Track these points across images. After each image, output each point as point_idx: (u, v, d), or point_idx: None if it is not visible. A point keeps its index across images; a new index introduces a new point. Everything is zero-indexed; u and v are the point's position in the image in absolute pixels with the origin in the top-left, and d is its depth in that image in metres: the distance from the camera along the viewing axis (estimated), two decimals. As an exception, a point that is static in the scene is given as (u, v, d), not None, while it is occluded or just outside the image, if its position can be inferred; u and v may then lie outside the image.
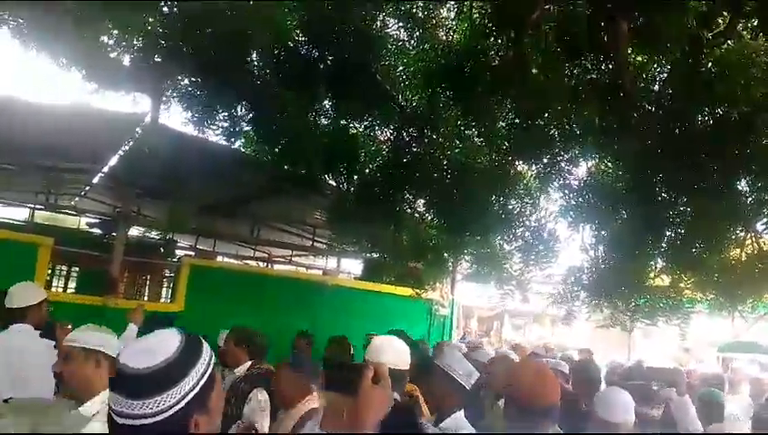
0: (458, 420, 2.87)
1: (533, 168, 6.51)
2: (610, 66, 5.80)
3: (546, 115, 6.04)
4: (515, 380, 2.30)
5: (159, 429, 1.16)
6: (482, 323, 13.54)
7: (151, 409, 1.16)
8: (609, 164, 6.28)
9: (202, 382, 1.24)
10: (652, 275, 6.06)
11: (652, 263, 6.00)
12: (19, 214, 11.58)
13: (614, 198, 5.78)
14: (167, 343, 1.24)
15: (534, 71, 5.74)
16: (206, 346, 1.32)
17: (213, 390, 1.27)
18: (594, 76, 5.90)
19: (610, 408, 3.00)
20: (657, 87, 5.99)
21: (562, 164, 6.20)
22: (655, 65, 6.06)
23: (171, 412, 1.17)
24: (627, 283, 5.64)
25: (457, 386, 2.93)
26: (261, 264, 12.54)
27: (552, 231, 6.02)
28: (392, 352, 2.60)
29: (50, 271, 7.17)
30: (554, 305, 5.99)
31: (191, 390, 1.21)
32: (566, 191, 6.13)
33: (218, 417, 1.31)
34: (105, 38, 5.04)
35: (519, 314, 14.39)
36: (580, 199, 5.99)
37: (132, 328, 4.11)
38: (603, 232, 5.94)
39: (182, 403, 1.19)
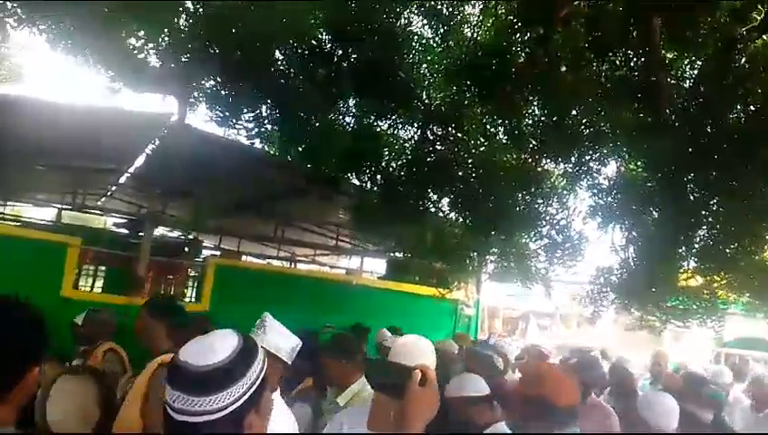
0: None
1: (561, 166, 6.42)
2: (640, 63, 5.70)
3: (574, 113, 5.96)
4: (539, 380, 2.28)
5: (217, 427, 1.18)
6: (507, 324, 13.43)
7: (212, 406, 1.18)
8: (640, 163, 6.16)
9: (258, 382, 1.26)
10: (684, 276, 5.94)
11: (684, 263, 5.88)
12: (46, 214, 11.84)
13: (645, 197, 5.68)
14: (226, 341, 1.27)
15: (563, 68, 5.66)
16: (260, 347, 1.34)
17: (265, 390, 1.29)
18: (624, 73, 5.80)
19: (658, 413, 2.95)
20: (687, 84, 5.87)
21: (591, 163, 6.11)
22: (686, 62, 5.94)
23: (230, 410, 1.19)
24: (658, 284, 5.54)
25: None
26: (285, 263, 12.57)
27: (579, 230, 5.92)
28: (417, 353, 2.56)
29: (77, 270, 7.23)
30: (582, 306, 5.91)
31: (249, 388, 1.23)
32: (595, 191, 6.03)
33: (266, 419, 1.32)
34: (133, 40, 5.06)
35: (545, 315, 14.26)
36: (609, 199, 5.89)
37: None
38: (634, 232, 5.83)
39: (240, 401, 1.21)
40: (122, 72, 5.12)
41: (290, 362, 2.58)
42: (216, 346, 1.25)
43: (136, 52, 5.08)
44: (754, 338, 11.63)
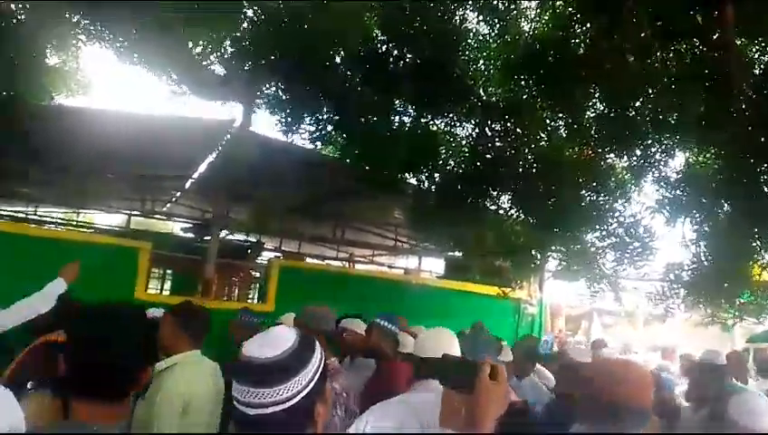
0: None
1: (625, 160, 6.25)
2: (706, 50, 5.48)
3: (638, 104, 5.79)
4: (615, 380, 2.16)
5: (289, 417, 1.22)
6: (569, 322, 13.13)
7: (281, 395, 1.22)
8: (710, 154, 5.94)
9: (320, 371, 1.31)
10: (757, 270, 5.68)
11: (757, 257, 5.62)
12: (114, 219, 12.35)
13: (715, 190, 5.46)
14: (285, 335, 1.32)
15: (626, 57, 5.50)
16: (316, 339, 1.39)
17: (326, 380, 1.34)
18: (688, 62, 5.60)
19: (753, 415, 2.82)
20: (758, 70, 5.61)
21: (657, 156, 5.92)
22: (755, 48, 5.70)
23: (299, 398, 1.23)
24: (730, 279, 5.31)
25: None
26: (344, 264, 12.68)
27: (648, 227, 5.71)
28: (440, 346, 2.54)
29: (148, 274, 7.49)
30: (653, 304, 5.71)
31: (313, 377, 1.27)
32: (662, 184, 5.84)
33: (330, 408, 1.41)
34: (199, 48, 5.22)
35: (609, 313, 13.87)
36: (677, 192, 5.69)
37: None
38: (704, 226, 5.61)
39: (307, 389, 1.25)
40: (188, 80, 5.28)
41: None
42: (277, 340, 1.30)
43: (200, 58, 5.23)
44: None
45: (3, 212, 9.73)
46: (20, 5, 5.60)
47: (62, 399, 2.31)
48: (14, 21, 5.36)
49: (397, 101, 6.83)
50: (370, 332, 4.02)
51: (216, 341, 5.12)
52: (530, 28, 6.64)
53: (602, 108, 6.13)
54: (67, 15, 5.52)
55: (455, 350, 2.55)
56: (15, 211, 9.96)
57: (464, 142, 7.10)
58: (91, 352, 1.42)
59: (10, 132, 5.83)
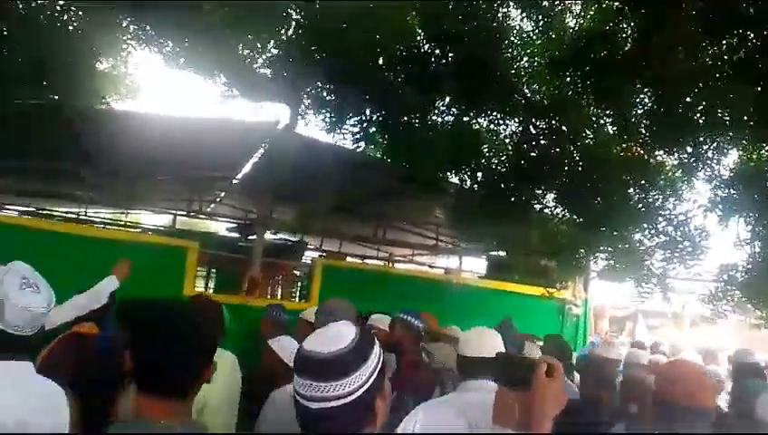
0: None
1: (675, 157, 6.08)
2: (758, 44, 5.30)
3: (688, 100, 5.63)
4: (674, 379, 2.12)
5: (350, 411, 1.23)
6: (613, 324, 12.87)
7: (344, 389, 1.23)
8: (763, 151, 5.75)
9: (379, 366, 1.32)
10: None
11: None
12: (159, 219, 12.65)
13: (771, 188, 5.28)
14: (346, 330, 1.33)
15: (675, 52, 5.35)
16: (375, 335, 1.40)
17: (385, 376, 1.35)
18: (741, 56, 5.41)
19: None
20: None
21: (709, 153, 5.75)
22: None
23: (360, 392, 1.24)
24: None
25: None
26: (385, 263, 12.70)
27: (700, 225, 5.55)
28: (485, 345, 2.52)
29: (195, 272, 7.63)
30: (706, 305, 5.55)
31: (373, 372, 1.29)
32: (714, 182, 5.68)
33: (388, 404, 1.36)
34: (247, 51, 5.30)
35: (654, 315, 13.56)
36: (730, 191, 5.52)
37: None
38: (759, 226, 5.43)
39: (368, 384, 1.26)
40: (237, 83, 5.36)
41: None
42: (338, 335, 1.31)
43: (249, 61, 5.30)
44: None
45: (56, 213, 10.06)
46: (72, 13, 5.76)
47: (79, 398, 2.35)
48: (70, 28, 5.52)
49: (439, 101, 6.80)
50: (393, 326, 4.06)
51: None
52: (575, 24, 6.54)
53: (651, 104, 5.97)
54: (117, 21, 5.67)
55: (499, 349, 2.53)
56: (67, 212, 10.28)
57: (507, 141, 7.02)
58: (163, 349, 1.44)
59: (62, 135, 6.02)
